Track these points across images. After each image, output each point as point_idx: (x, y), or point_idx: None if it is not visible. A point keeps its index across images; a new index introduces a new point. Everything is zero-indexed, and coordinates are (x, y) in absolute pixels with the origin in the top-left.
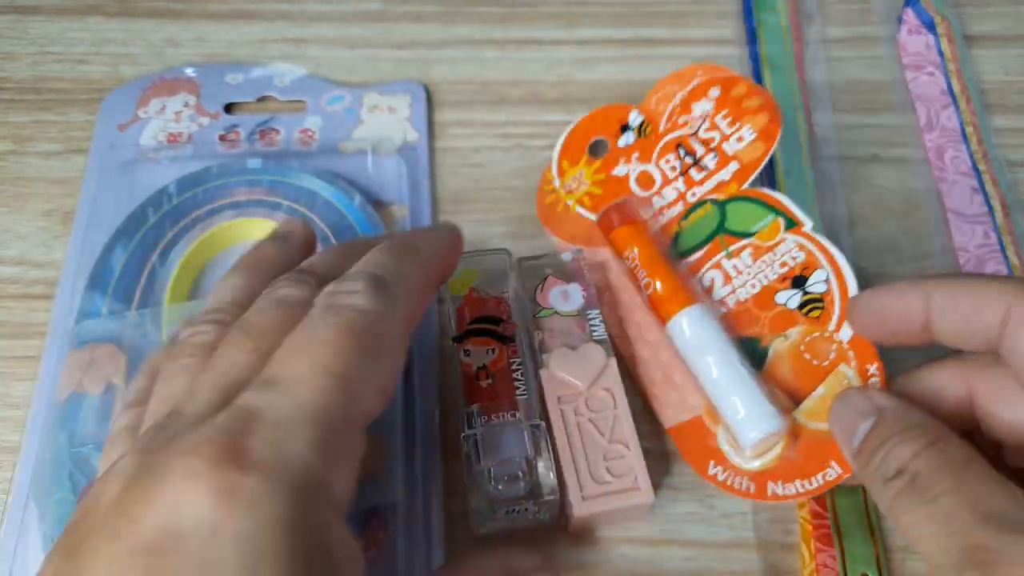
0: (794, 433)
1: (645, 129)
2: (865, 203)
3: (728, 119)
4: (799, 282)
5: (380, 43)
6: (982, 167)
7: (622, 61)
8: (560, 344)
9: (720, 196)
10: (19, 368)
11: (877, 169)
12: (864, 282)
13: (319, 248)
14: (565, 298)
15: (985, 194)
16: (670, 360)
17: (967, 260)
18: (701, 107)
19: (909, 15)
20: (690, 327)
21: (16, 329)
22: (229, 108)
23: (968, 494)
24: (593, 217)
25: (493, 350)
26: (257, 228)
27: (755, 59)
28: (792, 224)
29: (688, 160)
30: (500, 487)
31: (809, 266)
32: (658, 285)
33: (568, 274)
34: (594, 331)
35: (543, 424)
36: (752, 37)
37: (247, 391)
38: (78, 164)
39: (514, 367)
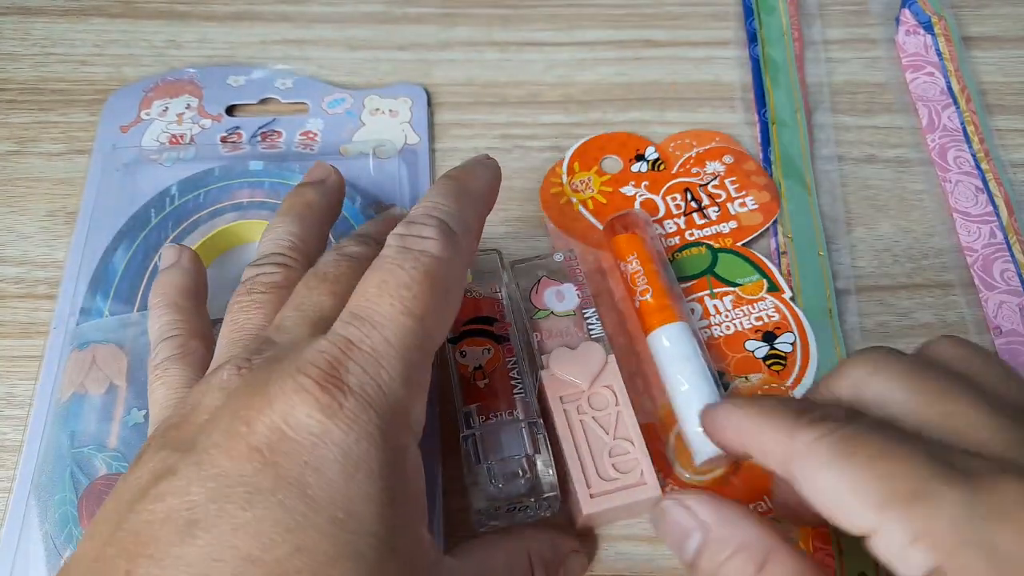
0: (736, 462)
1: (659, 165)
2: (863, 203)
3: (736, 184)
4: (769, 337)
5: (381, 45)
6: (985, 166)
7: (621, 63)
8: (559, 344)
9: (716, 244)
10: (21, 368)
11: (875, 169)
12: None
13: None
14: (560, 298)
15: (989, 193)
16: (636, 366)
17: (975, 259)
18: (714, 167)
19: (906, 15)
20: (672, 340)
21: (18, 329)
22: (231, 110)
23: None
24: (595, 220)
25: (489, 350)
26: (259, 230)
27: (755, 60)
28: (774, 288)
29: (693, 204)
30: (501, 485)
31: (781, 327)
32: (649, 296)
33: (561, 274)
34: (591, 329)
35: (541, 421)
36: (752, 38)
37: (340, 323)
38: (80, 165)
39: (510, 366)
